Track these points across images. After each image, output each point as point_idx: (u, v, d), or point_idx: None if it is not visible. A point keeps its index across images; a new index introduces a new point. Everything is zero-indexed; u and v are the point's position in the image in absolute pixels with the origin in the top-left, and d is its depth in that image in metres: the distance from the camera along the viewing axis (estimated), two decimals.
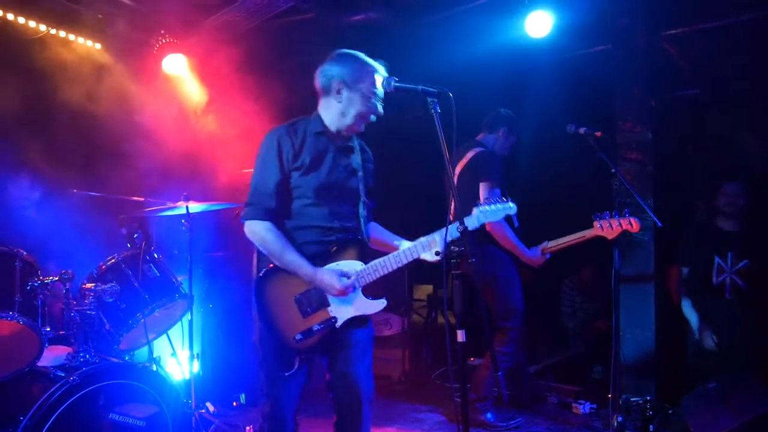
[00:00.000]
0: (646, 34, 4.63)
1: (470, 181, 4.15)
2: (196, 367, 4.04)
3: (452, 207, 3.16)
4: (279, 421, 2.67)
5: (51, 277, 2.96)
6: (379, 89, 2.67)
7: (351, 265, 2.62)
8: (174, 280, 3.52)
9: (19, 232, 3.63)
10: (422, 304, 6.30)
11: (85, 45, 4.56)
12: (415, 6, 4.96)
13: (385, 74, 2.72)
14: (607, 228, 3.59)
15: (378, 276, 2.62)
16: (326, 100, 2.73)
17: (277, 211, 2.62)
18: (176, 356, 3.82)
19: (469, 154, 4.26)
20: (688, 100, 5.33)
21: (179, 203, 3.77)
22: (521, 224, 4.21)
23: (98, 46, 4.63)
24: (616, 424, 3.85)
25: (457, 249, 2.49)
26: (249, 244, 4.47)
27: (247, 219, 2.63)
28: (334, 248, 2.64)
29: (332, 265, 2.61)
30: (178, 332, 3.87)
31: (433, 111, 2.51)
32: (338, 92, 2.67)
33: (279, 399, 2.66)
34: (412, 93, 2.67)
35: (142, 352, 3.66)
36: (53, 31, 4.30)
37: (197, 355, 3.99)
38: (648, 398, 4.21)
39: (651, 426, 4.06)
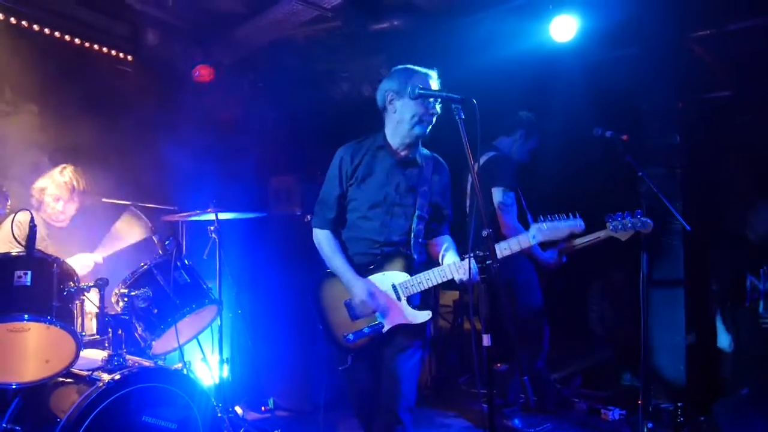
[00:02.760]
0: (674, 37, 4.58)
1: (482, 186, 4.10)
2: (226, 371, 4.10)
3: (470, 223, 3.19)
4: (355, 400, 2.93)
5: (87, 283, 3.04)
6: (429, 89, 2.70)
7: (395, 277, 2.78)
8: (204, 285, 3.58)
9: (54, 240, 3.75)
10: (448, 310, 6.29)
11: (117, 56, 4.69)
12: (439, 13, 4.98)
13: (436, 78, 2.80)
14: (620, 229, 3.56)
15: (423, 288, 2.76)
16: (386, 116, 2.86)
17: (336, 221, 2.86)
18: (206, 361, 3.88)
19: (482, 159, 4.17)
20: (719, 103, 5.24)
21: (209, 210, 3.85)
22: None
23: (129, 57, 4.76)
24: (646, 430, 3.80)
25: (481, 254, 2.52)
26: (276, 251, 4.56)
27: (312, 226, 2.93)
28: (377, 262, 2.80)
29: (377, 275, 2.78)
30: (207, 337, 3.94)
31: (457, 117, 2.54)
32: (391, 103, 2.80)
33: (347, 384, 2.93)
34: (436, 99, 2.72)
35: (173, 357, 3.73)
36: (87, 44, 4.43)
37: (227, 359, 4.05)
38: (679, 405, 4.14)
39: None
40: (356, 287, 2.75)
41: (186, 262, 3.58)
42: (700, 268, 4.52)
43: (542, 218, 2.76)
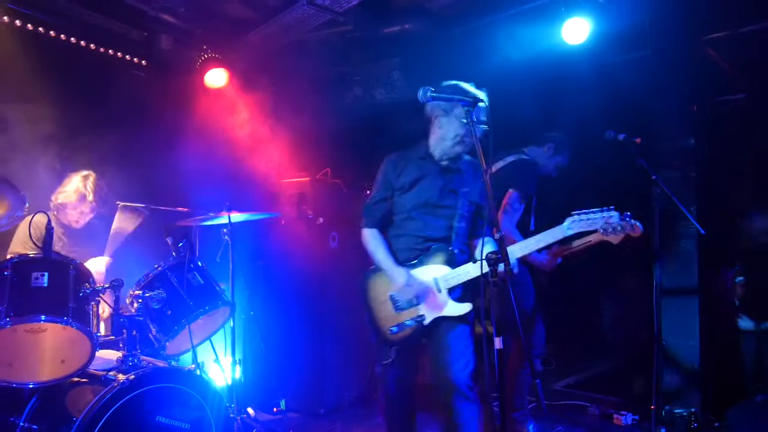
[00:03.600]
0: (687, 39, 4.56)
1: (501, 185, 4.12)
2: (238, 372, 4.14)
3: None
4: (387, 397, 3.11)
5: (102, 284, 3.08)
6: (482, 116, 2.84)
7: (436, 270, 2.97)
8: (217, 287, 3.61)
9: (70, 240, 3.80)
10: None
11: (131, 61, 4.74)
12: (451, 16, 4.99)
13: (485, 101, 2.85)
14: (610, 232, 3.56)
15: (462, 281, 2.93)
16: (431, 127, 3.07)
17: (382, 222, 3.14)
18: (219, 362, 3.91)
19: (510, 158, 4.20)
20: (734, 105, 5.20)
21: (222, 213, 3.89)
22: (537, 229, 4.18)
23: (144, 62, 4.82)
24: None
25: (494, 256, 2.52)
26: (289, 253, 4.57)
27: (362, 227, 3.18)
28: (419, 257, 3.02)
29: (419, 269, 2.99)
30: (220, 338, 3.97)
31: (468, 120, 2.56)
32: (437, 118, 3.01)
33: (385, 379, 3.10)
34: (448, 103, 2.74)
35: (186, 358, 3.76)
36: (102, 50, 4.49)
37: (239, 361, 4.09)
38: (693, 410, 4.11)
39: None
40: (397, 273, 2.98)
41: (199, 263, 3.61)
42: (715, 271, 4.48)
43: (576, 211, 2.84)
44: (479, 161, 2.98)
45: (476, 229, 3.13)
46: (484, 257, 2.58)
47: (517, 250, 2.90)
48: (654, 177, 3.73)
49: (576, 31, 4.39)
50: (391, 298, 3.03)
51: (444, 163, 3.07)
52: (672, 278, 4.50)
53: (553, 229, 2.85)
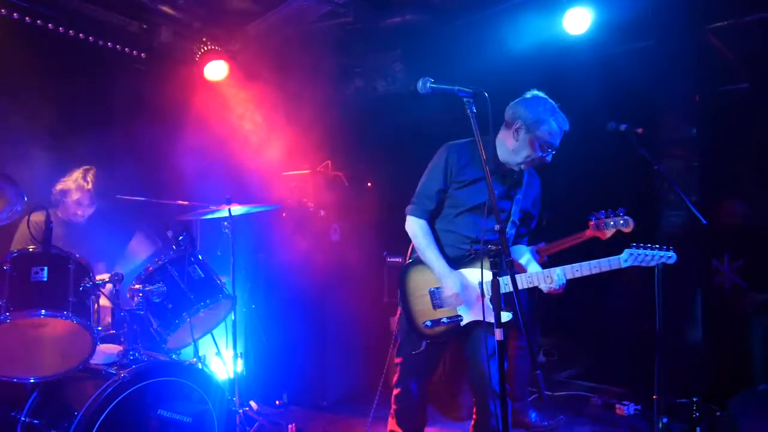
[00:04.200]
0: (689, 29, 4.52)
1: None
2: (240, 366, 4.13)
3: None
4: (403, 388, 3.11)
5: (102, 279, 3.08)
6: (554, 142, 2.89)
7: (486, 275, 2.85)
8: (218, 281, 3.61)
9: (72, 236, 3.80)
10: None
11: (130, 53, 4.71)
12: (453, 7, 4.95)
13: (567, 128, 2.91)
14: (602, 228, 3.61)
15: (509, 290, 2.78)
16: (506, 132, 2.98)
17: (434, 213, 3.03)
18: (221, 355, 3.91)
19: None
20: (737, 95, 5.16)
21: (222, 206, 3.88)
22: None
23: (143, 55, 4.79)
24: (661, 425, 3.77)
25: (494, 248, 2.52)
26: (290, 246, 4.56)
27: (408, 214, 3.05)
28: (469, 257, 2.95)
29: (469, 270, 2.93)
30: (222, 332, 3.97)
31: (469, 111, 2.55)
32: (517, 131, 2.91)
33: (406, 371, 3.09)
34: (448, 94, 2.71)
35: (188, 351, 3.77)
36: (101, 42, 4.46)
37: (241, 354, 4.08)
38: (695, 399, 4.10)
39: (698, 428, 3.96)
40: (449, 280, 2.89)
41: (200, 257, 3.61)
42: (717, 261, 4.46)
43: (635, 245, 2.88)
44: (534, 172, 3.12)
45: (518, 237, 3.12)
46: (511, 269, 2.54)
47: (569, 272, 2.89)
48: (656, 167, 3.71)
49: (578, 21, 4.36)
50: (431, 293, 2.99)
51: (506, 167, 3.03)
52: (675, 268, 4.48)
53: (610, 259, 2.86)
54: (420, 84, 2.68)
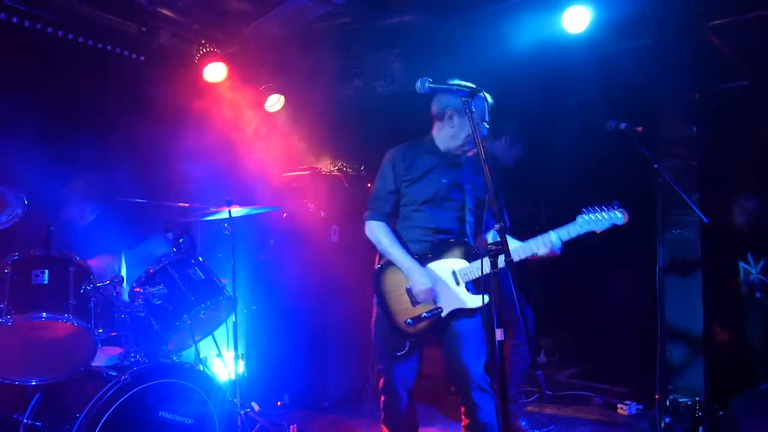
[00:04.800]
0: (689, 26, 4.51)
1: None
2: (241, 367, 4.13)
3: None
4: (391, 394, 3.11)
5: (103, 281, 3.08)
6: (484, 115, 2.96)
7: (454, 263, 2.97)
8: (218, 282, 3.61)
9: (72, 239, 3.80)
10: None
11: (129, 56, 4.71)
12: (451, 6, 4.95)
13: (491, 101, 2.98)
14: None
15: (480, 274, 2.88)
16: (440, 124, 3.11)
17: (390, 213, 3.11)
18: (222, 357, 3.91)
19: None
20: (737, 93, 5.16)
21: (222, 208, 3.88)
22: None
23: (142, 57, 4.79)
24: (663, 425, 3.77)
25: (495, 247, 2.51)
26: (290, 248, 4.57)
27: (366, 220, 3.13)
28: (435, 249, 3.01)
29: (437, 263, 2.99)
30: (223, 334, 3.97)
31: (467, 110, 2.55)
32: (450, 118, 3.04)
33: (392, 375, 3.08)
34: (447, 93, 2.72)
35: (189, 353, 3.77)
36: (100, 45, 4.46)
37: (242, 355, 4.08)
38: (697, 399, 4.09)
39: (701, 427, 3.95)
40: (417, 275, 2.93)
41: (200, 259, 3.61)
42: (718, 260, 4.45)
43: (586, 210, 2.94)
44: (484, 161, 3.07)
45: (481, 224, 3.17)
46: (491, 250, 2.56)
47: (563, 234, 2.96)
48: (656, 166, 3.70)
49: (576, 19, 4.36)
50: (408, 291, 3.00)
51: (449, 158, 3.11)
52: (675, 267, 4.48)
53: (568, 226, 2.94)
54: (419, 84, 2.69)
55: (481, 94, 2.71)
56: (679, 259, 4.47)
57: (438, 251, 3.01)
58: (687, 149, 4.46)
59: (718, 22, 4.60)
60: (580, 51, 4.66)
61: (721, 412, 4.26)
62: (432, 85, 2.65)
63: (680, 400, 4.38)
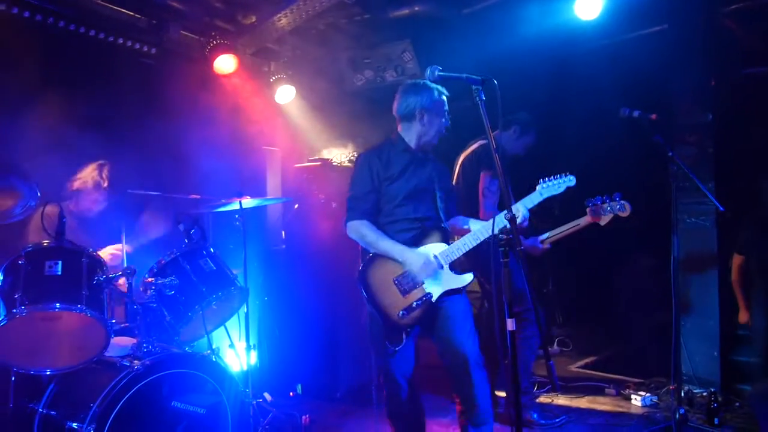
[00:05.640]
0: (705, 12, 4.44)
1: (472, 170, 4.11)
2: (253, 358, 4.15)
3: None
4: (391, 386, 3.14)
5: (116, 272, 3.10)
6: (446, 107, 3.21)
7: (434, 248, 3.07)
8: (229, 273, 3.62)
9: (83, 229, 3.83)
10: (477, 296, 6.25)
11: (140, 49, 4.73)
12: None
13: (446, 92, 3.20)
14: (600, 213, 3.61)
15: (461, 253, 3.05)
16: (409, 124, 3.23)
17: (371, 211, 3.16)
18: (234, 347, 3.93)
19: (475, 145, 4.22)
20: (754, 79, 5.06)
21: (233, 199, 3.89)
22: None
23: (153, 50, 4.80)
24: (678, 416, 3.73)
25: (505, 236, 2.50)
26: (301, 239, 4.57)
27: (348, 221, 3.18)
28: (415, 238, 3.11)
29: (420, 248, 3.07)
30: (235, 324, 3.99)
31: (477, 99, 2.54)
32: (422, 117, 3.17)
33: (392, 369, 3.11)
34: (457, 82, 2.70)
35: (201, 343, 3.79)
36: (111, 38, 4.48)
37: (254, 346, 4.10)
38: (713, 390, 4.05)
39: (716, 419, 3.91)
40: (411, 256, 3.01)
41: (211, 250, 3.62)
42: (734, 249, 4.39)
43: (543, 179, 3.17)
44: (433, 155, 3.33)
45: (450, 212, 3.30)
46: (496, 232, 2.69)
47: (528, 203, 3.13)
48: (670, 154, 3.66)
49: (588, 6, 4.30)
50: (396, 282, 3.03)
51: (421, 153, 3.25)
52: (690, 256, 4.43)
53: (531, 194, 3.14)
54: (428, 72, 2.72)
55: (494, 82, 2.68)
56: (694, 249, 4.42)
57: (418, 239, 3.10)
58: (702, 136, 4.40)
59: (734, 6, 4.52)
60: (592, 38, 4.61)
61: (737, 404, 4.22)
62: (442, 74, 2.69)
63: (695, 390, 4.34)
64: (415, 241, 3.10)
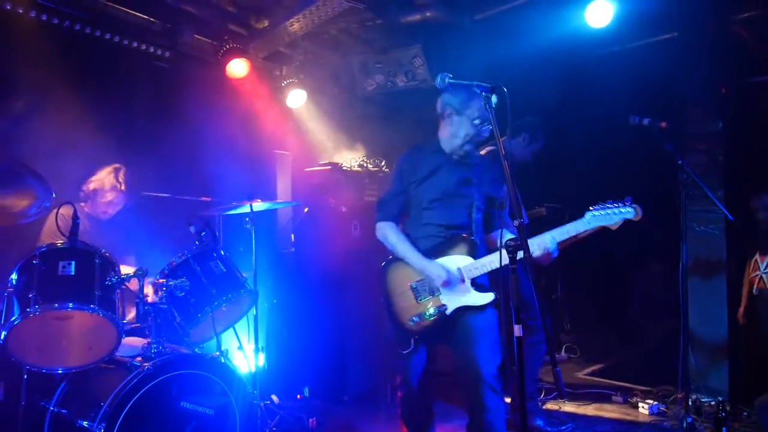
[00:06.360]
0: (715, 20, 4.43)
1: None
2: (262, 360, 4.18)
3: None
4: (405, 388, 3.11)
5: (127, 273, 3.14)
6: (483, 115, 2.95)
7: (459, 260, 2.95)
8: (239, 275, 3.65)
9: (98, 231, 3.88)
10: None
11: (154, 52, 4.78)
12: (472, 2, 4.93)
13: (494, 100, 2.89)
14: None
15: (485, 271, 2.91)
16: (443, 123, 3.13)
17: (399, 213, 3.16)
18: (242, 349, 3.96)
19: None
20: (765, 87, 5.05)
21: (244, 202, 3.92)
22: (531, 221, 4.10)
23: (167, 54, 4.86)
24: (685, 425, 3.72)
25: (513, 243, 2.50)
26: (311, 242, 4.60)
27: (376, 221, 3.17)
28: (441, 246, 3.00)
29: (442, 259, 2.97)
30: (244, 326, 4.02)
31: (487, 106, 2.55)
32: (449, 117, 3.06)
33: (403, 372, 3.07)
34: (468, 89, 2.72)
35: (210, 345, 3.82)
36: (125, 42, 4.54)
37: (262, 348, 4.13)
38: (720, 399, 4.03)
39: (724, 428, 3.88)
40: (428, 266, 2.94)
41: (222, 252, 3.65)
42: (744, 258, 4.38)
43: (596, 205, 2.86)
44: (490, 158, 3.22)
45: (492, 222, 3.14)
46: (503, 245, 2.55)
47: (557, 236, 2.88)
48: (680, 161, 3.65)
49: (599, 13, 4.31)
50: (412, 288, 3.00)
51: (455, 157, 3.11)
52: (699, 264, 4.41)
53: (576, 222, 2.86)
54: (438, 80, 2.71)
55: (504, 89, 2.68)
56: (703, 257, 4.41)
57: (443, 248, 3.00)
58: (712, 145, 4.39)
59: (745, 14, 4.51)
60: (602, 45, 4.62)
61: (745, 413, 4.20)
62: (452, 81, 2.67)
63: (703, 399, 4.32)
64: (440, 250, 3.00)
